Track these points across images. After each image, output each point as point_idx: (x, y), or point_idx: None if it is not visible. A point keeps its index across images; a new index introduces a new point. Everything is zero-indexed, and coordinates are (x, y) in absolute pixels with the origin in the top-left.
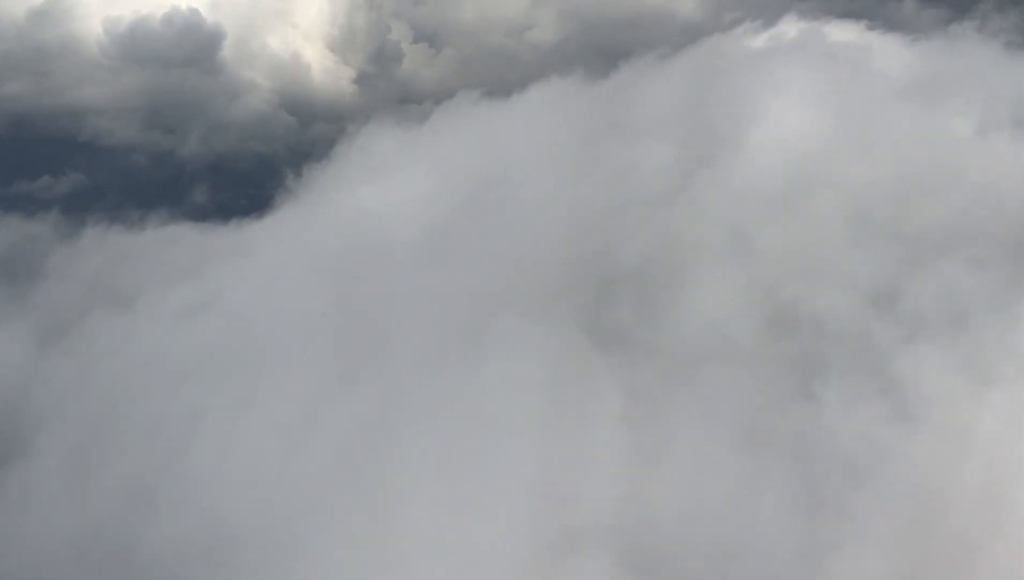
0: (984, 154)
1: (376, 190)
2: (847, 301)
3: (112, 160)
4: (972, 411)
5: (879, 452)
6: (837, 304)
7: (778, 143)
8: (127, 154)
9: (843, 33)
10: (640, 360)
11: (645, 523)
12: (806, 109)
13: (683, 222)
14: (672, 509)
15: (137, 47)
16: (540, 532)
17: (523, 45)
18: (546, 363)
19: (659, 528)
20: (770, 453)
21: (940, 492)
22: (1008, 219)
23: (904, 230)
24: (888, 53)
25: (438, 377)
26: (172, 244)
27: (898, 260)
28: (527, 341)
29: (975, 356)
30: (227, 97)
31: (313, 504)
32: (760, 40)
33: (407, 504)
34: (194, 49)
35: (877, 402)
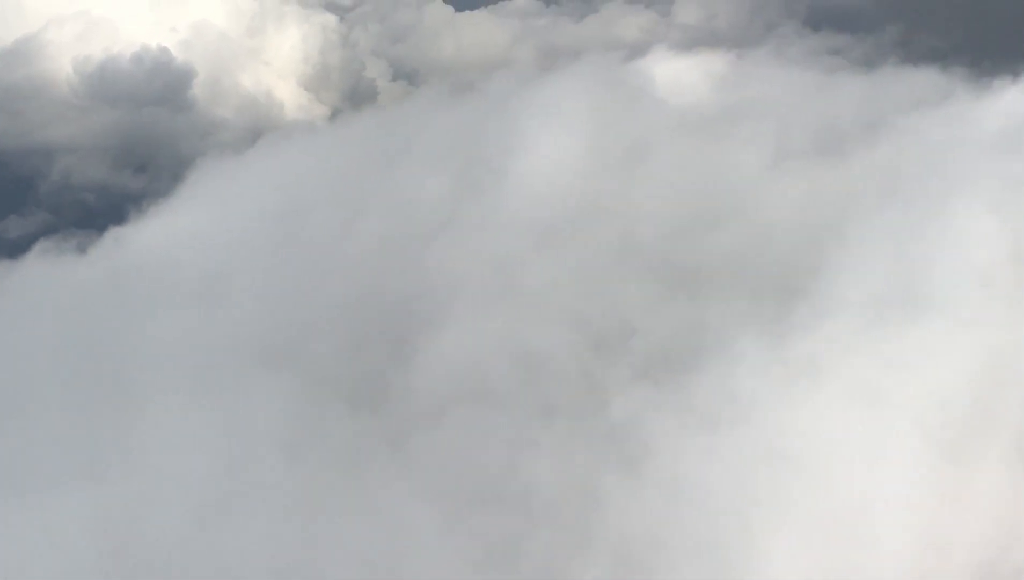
0: (777, 184)
1: (169, 225)
2: (581, 340)
3: (77, 199)
4: (689, 458)
5: (592, 501)
6: (569, 344)
7: (548, 174)
8: (83, 193)
9: (638, 62)
10: (382, 406)
11: None
12: (581, 139)
13: (447, 257)
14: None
15: (107, 86)
16: None
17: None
18: (234, 415)
19: None
20: (480, 504)
21: (652, 544)
22: (782, 253)
23: (672, 265)
24: (680, 81)
25: (97, 432)
26: None
27: (648, 298)
28: (229, 392)
29: (695, 399)
30: (198, 135)
31: None
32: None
33: None
34: (164, 88)
35: (597, 448)
